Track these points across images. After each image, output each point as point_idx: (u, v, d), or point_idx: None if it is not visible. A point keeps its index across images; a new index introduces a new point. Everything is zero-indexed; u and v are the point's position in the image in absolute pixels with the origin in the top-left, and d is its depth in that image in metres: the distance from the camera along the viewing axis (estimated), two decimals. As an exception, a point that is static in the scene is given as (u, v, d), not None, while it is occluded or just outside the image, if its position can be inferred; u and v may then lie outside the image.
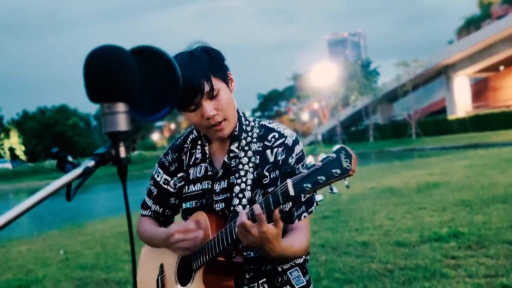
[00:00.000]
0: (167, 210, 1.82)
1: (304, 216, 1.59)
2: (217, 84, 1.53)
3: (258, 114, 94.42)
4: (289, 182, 1.30)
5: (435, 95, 53.05)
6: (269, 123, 1.70)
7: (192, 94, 1.50)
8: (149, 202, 1.83)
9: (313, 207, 1.62)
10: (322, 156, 1.29)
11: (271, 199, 1.34)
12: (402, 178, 12.25)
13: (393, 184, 11.23)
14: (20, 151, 65.11)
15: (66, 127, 65.21)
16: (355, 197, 9.79)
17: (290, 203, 1.55)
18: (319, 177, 1.25)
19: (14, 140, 64.06)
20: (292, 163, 1.59)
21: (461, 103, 45.59)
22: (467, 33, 47.60)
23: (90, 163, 0.86)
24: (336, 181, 1.25)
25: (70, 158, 0.93)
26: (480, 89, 49.42)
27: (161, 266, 1.76)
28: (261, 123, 1.69)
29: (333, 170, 1.24)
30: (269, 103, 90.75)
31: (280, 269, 1.64)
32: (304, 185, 1.27)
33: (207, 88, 1.51)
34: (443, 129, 42.67)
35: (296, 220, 1.58)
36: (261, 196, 1.57)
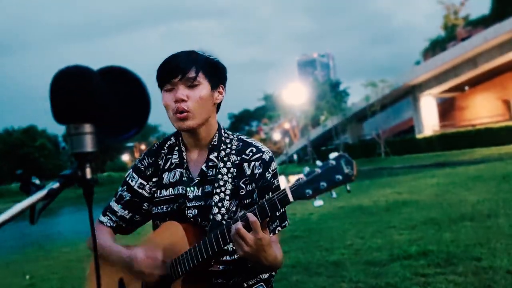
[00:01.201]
0: (136, 216, 1.79)
1: (278, 230, 1.67)
2: (202, 80, 1.60)
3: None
4: (287, 188, 1.35)
5: (403, 115, 54.07)
6: (247, 138, 1.75)
7: (173, 74, 1.58)
8: (116, 207, 1.80)
9: (286, 222, 1.70)
10: (319, 163, 1.34)
11: (267, 206, 1.39)
12: (371, 197, 12.37)
13: (363, 202, 11.33)
14: (-16, 173, 63.27)
15: (33, 149, 63.86)
16: (325, 216, 9.83)
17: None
18: (320, 183, 1.30)
19: (-21, 162, 62.31)
20: (269, 177, 1.66)
21: (429, 122, 46.57)
22: (432, 54, 48.90)
23: (55, 185, 0.85)
24: (337, 186, 1.30)
25: (37, 181, 0.91)
26: (446, 109, 50.63)
27: (121, 280, 1.69)
28: (239, 137, 1.74)
29: (336, 176, 1.28)
30: (240, 123, 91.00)
31: (245, 285, 1.66)
32: (306, 190, 1.32)
33: (189, 74, 1.58)
34: (412, 148, 43.38)
35: (271, 234, 1.63)
36: (235, 207, 1.62)
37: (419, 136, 45.49)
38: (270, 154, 1.69)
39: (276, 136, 72.30)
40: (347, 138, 56.91)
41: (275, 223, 1.66)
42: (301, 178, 1.35)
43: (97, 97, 0.90)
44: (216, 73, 1.66)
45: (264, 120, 72.21)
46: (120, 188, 1.81)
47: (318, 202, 1.36)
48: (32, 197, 0.81)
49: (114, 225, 1.80)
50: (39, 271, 7.68)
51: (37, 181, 0.90)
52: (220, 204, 1.61)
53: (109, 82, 0.99)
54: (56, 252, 9.88)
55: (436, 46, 55.38)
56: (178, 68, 1.58)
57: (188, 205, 1.65)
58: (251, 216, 1.39)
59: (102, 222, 1.81)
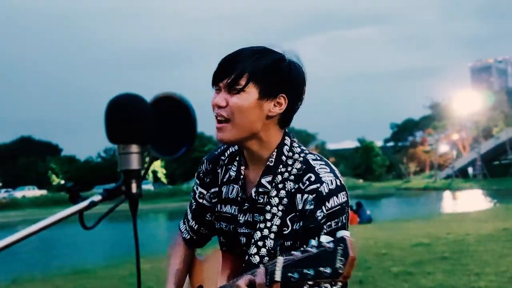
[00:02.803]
0: (202, 228, 1.65)
1: None
2: (248, 86, 1.36)
3: (391, 144, 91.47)
4: (280, 261, 1.14)
5: None
6: (315, 159, 1.43)
7: (218, 76, 1.40)
8: (189, 215, 1.68)
9: None
10: (324, 239, 1.12)
11: (269, 270, 1.18)
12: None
13: (532, 226, 10.17)
14: (161, 174, 70.50)
15: (202, 153, 69.18)
16: (483, 238, 9.05)
17: None
18: (306, 270, 1.09)
19: (157, 164, 69.43)
20: (320, 218, 1.33)
21: None
22: None
23: (97, 197, 0.99)
24: (323, 280, 1.09)
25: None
26: None
27: None
28: (306, 157, 1.43)
29: (322, 268, 1.07)
30: (404, 133, 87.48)
31: None
32: (290, 274, 1.11)
33: (231, 78, 1.36)
34: None
35: None
36: (278, 247, 1.37)
37: None
38: (332, 186, 1.35)
39: (443, 148, 68.11)
40: (525, 153, 51.42)
41: None
42: (294, 253, 1.13)
43: (142, 122, 1.02)
44: (273, 80, 1.37)
45: (429, 130, 68.59)
46: (191, 194, 1.68)
47: (343, 233, 1.15)
48: (74, 206, 0.96)
49: (188, 237, 1.70)
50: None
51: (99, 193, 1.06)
52: (260, 243, 1.39)
53: (163, 107, 1.14)
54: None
55: None
56: (223, 70, 1.39)
57: (239, 230, 1.48)
58: (260, 274, 1.20)
59: (181, 231, 1.73)
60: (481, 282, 5.57)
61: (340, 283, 1.33)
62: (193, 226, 1.67)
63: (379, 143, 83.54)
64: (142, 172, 1.04)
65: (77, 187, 1.01)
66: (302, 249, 1.12)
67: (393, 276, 6.30)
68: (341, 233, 1.14)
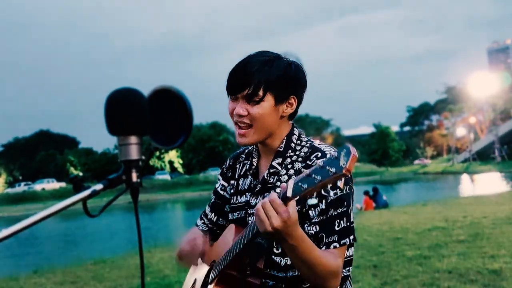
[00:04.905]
0: (220, 219, 1.81)
1: (335, 247, 1.45)
2: (265, 96, 1.51)
3: (407, 128, 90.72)
4: (291, 181, 1.22)
5: None
6: (320, 144, 1.60)
7: (235, 89, 1.54)
8: (207, 210, 1.85)
9: (347, 239, 1.47)
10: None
11: (282, 192, 1.27)
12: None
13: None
14: (178, 164, 70.93)
15: (217, 143, 69.48)
16: (499, 220, 9.01)
17: (317, 226, 1.46)
18: (315, 176, 1.16)
19: (173, 154, 69.95)
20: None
21: None
22: None
23: (99, 186, 1.03)
24: (331, 181, 1.15)
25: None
26: None
27: (195, 281, 1.78)
28: (312, 144, 1.60)
29: (327, 168, 1.14)
30: (420, 116, 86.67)
31: None
32: (301, 184, 1.19)
33: (249, 91, 1.51)
34: None
35: (324, 248, 1.44)
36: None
37: None
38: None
39: (460, 131, 67.35)
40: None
41: (332, 237, 1.45)
42: (304, 171, 1.22)
43: (140, 115, 1.06)
44: (285, 86, 1.53)
45: (445, 114, 67.78)
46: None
47: (312, 200, 1.26)
48: (77, 195, 1.01)
49: (206, 229, 1.83)
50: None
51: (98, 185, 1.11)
52: None
53: (158, 100, 1.18)
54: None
55: None
56: (240, 83, 1.52)
57: (249, 212, 1.63)
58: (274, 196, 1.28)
59: (197, 225, 1.86)
60: (496, 264, 5.56)
61: (340, 188, 1.47)
62: (212, 218, 1.84)
63: (395, 128, 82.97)
64: (147, 165, 1.10)
65: (80, 177, 1.06)
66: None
67: (407, 260, 6.32)
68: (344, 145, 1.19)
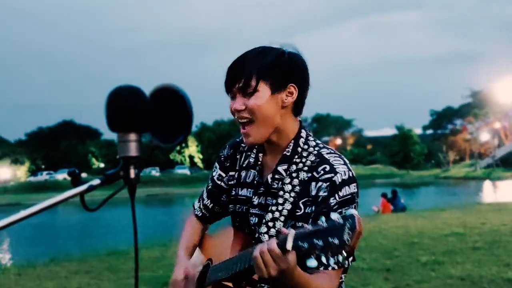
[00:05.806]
0: (216, 207, 1.78)
1: (333, 268, 1.40)
2: (259, 86, 1.47)
3: (430, 131, 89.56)
4: (292, 232, 1.22)
5: None
6: (329, 152, 1.53)
7: (229, 83, 1.51)
8: (204, 195, 1.81)
9: (346, 261, 1.42)
10: (334, 216, 1.18)
11: (281, 239, 1.26)
12: None
13: None
14: (198, 159, 71.37)
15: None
16: (519, 228, 8.85)
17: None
18: (316, 241, 1.17)
19: (193, 149, 70.41)
20: (333, 204, 1.44)
21: None
22: None
23: (96, 181, 1.05)
24: (331, 251, 1.16)
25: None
26: None
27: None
28: (320, 151, 1.53)
29: (331, 239, 1.15)
30: (443, 120, 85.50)
31: None
32: (301, 243, 1.19)
33: (242, 82, 1.47)
34: None
35: (321, 268, 1.39)
36: (289, 227, 1.39)
37: None
38: (345, 177, 1.45)
39: (484, 136, 66.23)
40: None
41: (330, 258, 1.34)
42: (305, 226, 1.22)
43: (139, 112, 1.08)
44: (280, 74, 1.48)
45: (469, 118, 66.68)
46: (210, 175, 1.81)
47: (311, 262, 1.21)
48: (73, 189, 1.03)
49: (200, 214, 1.82)
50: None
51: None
52: (271, 224, 1.50)
53: (159, 98, 1.20)
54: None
55: None
56: (232, 77, 1.50)
57: (251, 211, 1.59)
58: (272, 243, 1.27)
59: (194, 208, 1.85)
60: (510, 272, 5.48)
61: (342, 255, 1.39)
62: (208, 204, 1.79)
63: (417, 131, 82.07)
64: (149, 163, 1.12)
65: (77, 171, 1.09)
66: (313, 223, 1.21)
67: (421, 265, 6.26)
68: (350, 211, 1.20)
